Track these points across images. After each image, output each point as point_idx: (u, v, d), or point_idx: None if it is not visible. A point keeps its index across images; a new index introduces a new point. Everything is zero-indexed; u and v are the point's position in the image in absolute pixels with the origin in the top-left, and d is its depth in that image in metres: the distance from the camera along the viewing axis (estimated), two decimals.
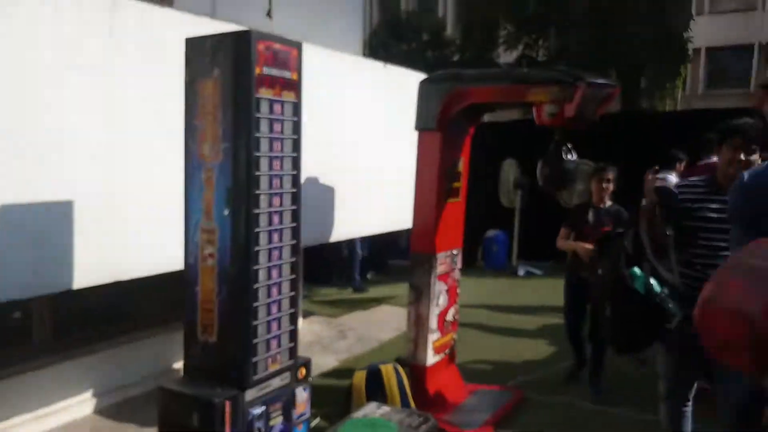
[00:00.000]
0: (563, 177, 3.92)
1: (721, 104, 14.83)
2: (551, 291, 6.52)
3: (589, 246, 4.25)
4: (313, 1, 5.36)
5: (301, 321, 5.70)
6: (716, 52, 19.47)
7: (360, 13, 6.50)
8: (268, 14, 4.76)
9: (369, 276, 8.87)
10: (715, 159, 4.71)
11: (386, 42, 14.82)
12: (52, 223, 3.01)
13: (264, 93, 2.69)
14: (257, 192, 2.68)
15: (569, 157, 3.85)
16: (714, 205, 2.68)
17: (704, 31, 17.01)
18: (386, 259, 9.37)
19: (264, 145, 2.71)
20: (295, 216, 2.89)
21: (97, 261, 3.19)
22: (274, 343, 2.81)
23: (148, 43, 3.37)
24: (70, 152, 3.05)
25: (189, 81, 2.75)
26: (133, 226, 3.34)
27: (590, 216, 4.42)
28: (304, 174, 3.27)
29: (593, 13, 11.93)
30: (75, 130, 3.07)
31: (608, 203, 4.46)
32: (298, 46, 2.87)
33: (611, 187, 4.45)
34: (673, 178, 5.92)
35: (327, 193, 4.52)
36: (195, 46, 2.74)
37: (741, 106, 8.38)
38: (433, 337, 4.22)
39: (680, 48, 12.16)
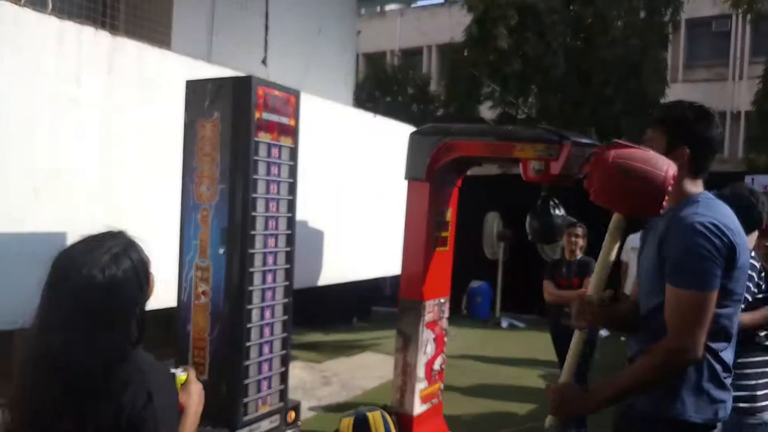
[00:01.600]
0: (550, 231, 4.03)
1: None
2: (534, 344, 6.49)
3: (574, 293, 4.32)
4: (307, 52, 5.52)
5: None
6: None
7: (352, 66, 6.68)
8: (263, 62, 4.88)
9: (354, 321, 8.79)
10: None
11: (372, 94, 15.12)
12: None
13: (263, 137, 2.75)
14: (253, 232, 2.69)
15: (556, 212, 3.95)
16: None
17: (679, 98, 17.68)
18: (371, 305, 9.31)
19: (261, 187, 2.75)
20: (289, 257, 2.90)
21: None
22: (264, 385, 2.78)
23: (146, 82, 3.42)
24: (66, 189, 3.04)
25: (188, 122, 2.79)
26: None
27: (563, 269, 4.66)
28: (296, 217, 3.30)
29: (571, 74, 12.35)
30: (72, 167, 3.07)
31: (579, 256, 4.68)
32: (296, 94, 2.95)
33: (580, 242, 4.68)
34: None
35: (316, 237, 4.53)
36: (195, 89, 2.79)
37: (715, 170, 8.58)
38: (420, 386, 4.17)
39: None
